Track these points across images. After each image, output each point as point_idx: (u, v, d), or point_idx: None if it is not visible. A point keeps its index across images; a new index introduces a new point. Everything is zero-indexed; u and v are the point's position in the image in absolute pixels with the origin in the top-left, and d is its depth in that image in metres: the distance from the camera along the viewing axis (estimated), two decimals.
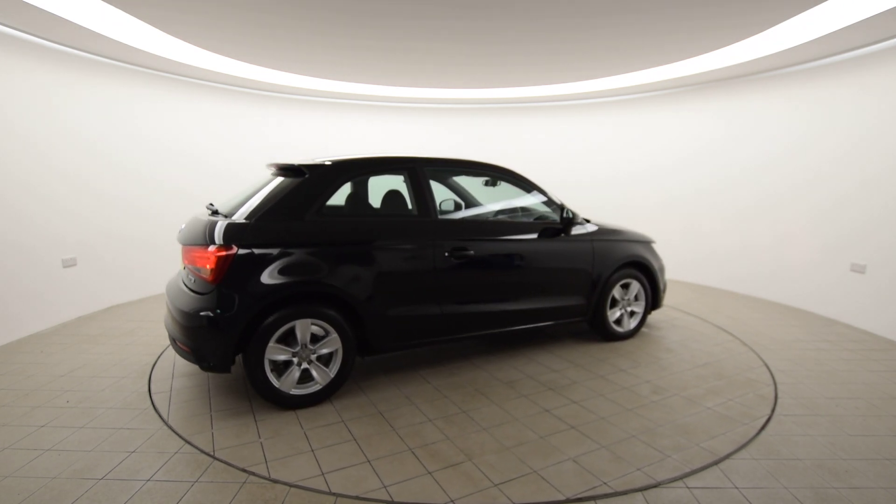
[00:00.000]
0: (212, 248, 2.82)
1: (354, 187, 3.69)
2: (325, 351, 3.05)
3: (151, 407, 3.02)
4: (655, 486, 2.27)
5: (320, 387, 3.05)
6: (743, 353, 4.01)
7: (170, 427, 2.77)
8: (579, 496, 2.20)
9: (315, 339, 3.03)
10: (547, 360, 3.88)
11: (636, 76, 6.23)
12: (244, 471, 2.36)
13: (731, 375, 3.55)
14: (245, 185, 3.68)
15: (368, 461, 2.49)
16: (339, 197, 3.45)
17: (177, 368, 3.60)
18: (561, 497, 2.19)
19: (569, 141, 7.79)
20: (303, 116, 7.36)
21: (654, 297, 4.46)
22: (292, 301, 2.94)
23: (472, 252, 3.44)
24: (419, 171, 3.44)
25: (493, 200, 4.26)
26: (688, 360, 3.86)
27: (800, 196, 5.39)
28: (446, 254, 3.35)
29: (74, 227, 4.85)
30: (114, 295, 5.33)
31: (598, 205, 7.10)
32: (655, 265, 4.41)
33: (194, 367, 3.58)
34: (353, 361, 3.15)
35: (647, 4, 3.65)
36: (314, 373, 3.04)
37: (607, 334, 4.23)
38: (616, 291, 4.18)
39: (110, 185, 5.25)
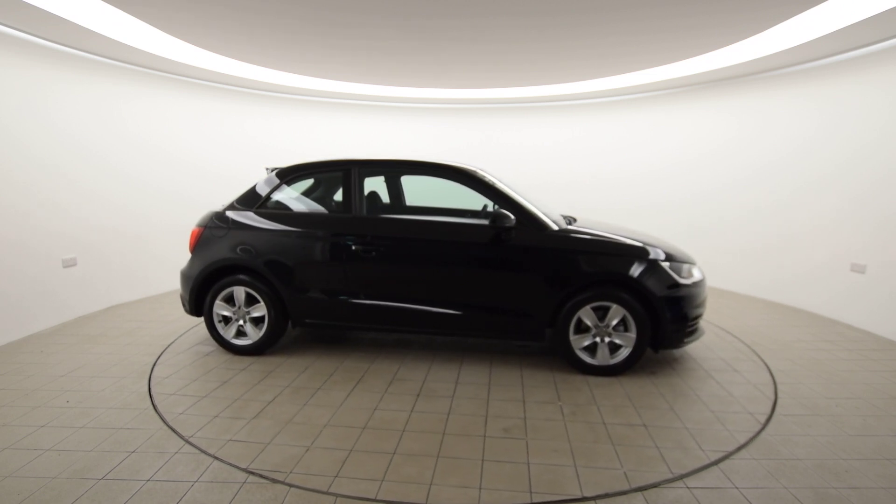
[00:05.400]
0: (195, 227, 3.93)
1: (301, 186, 4.18)
2: (256, 314, 3.79)
3: (151, 407, 3.02)
4: (655, 485, 2.28)
5: (251, 342, 3.81)
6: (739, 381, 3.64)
7: (170, 427, 2.77)
8: (577, 497, 2.20)
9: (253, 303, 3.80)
10: (472, 371, 3.59)
11: (641, 75, 6.18)
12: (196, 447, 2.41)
13: (660, 431, 2.71)
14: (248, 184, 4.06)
15: (199, 398, 3.12)
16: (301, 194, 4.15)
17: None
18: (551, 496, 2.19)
19: (572, 141, 7.78)
20: (303, 116, 7.36)
21: (656, 332, 3.40)
22: (234, 271, 3.78)
23: (382, 249, 3.60)
24: (352, 172, 3.79)
25: (442, 201, 4.44)
26: (633, 412, 2.96)
27: (805, 198, 5.35)
28: (353, 248, 3.61)
29: (74, 227, 4.85)
30: (114, 295, 5.34)
31: (602, 206, 7.12)
32: (657, 290, 3.32)
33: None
34: (281, 327, 3.80)
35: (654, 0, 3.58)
36: (247, 330, 3.81)
37: (577, 365, 3.51)
38: (587, 315, 3.43)
39: (111, 185, 5.25)
